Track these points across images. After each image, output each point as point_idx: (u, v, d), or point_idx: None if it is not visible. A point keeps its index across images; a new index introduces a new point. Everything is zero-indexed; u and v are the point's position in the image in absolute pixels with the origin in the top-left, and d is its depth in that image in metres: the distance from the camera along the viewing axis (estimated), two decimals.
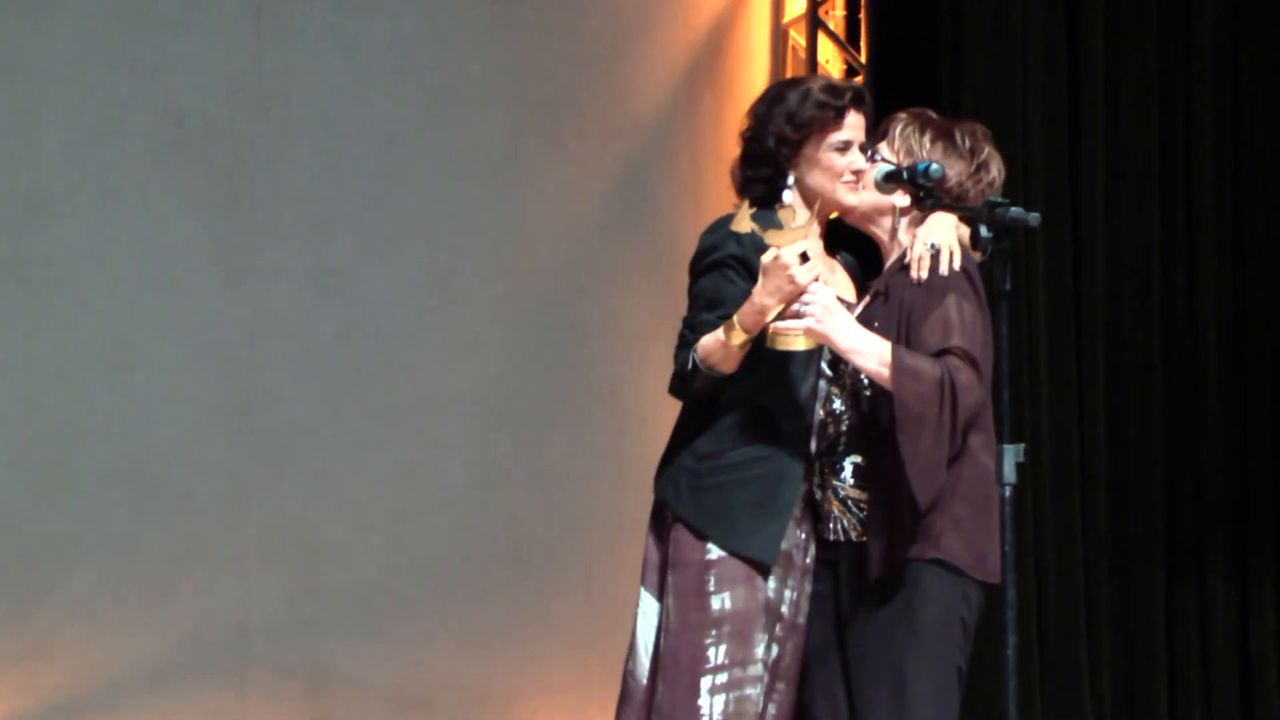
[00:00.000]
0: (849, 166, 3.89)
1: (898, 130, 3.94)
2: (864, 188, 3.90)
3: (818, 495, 3.92)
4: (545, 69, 6.44)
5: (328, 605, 6.06)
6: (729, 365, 3.78)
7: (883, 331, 3.82)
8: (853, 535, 3.84)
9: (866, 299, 3.94)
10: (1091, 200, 6.27)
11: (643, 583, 3.97)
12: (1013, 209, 3.65)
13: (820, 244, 3.98)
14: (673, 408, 6.38)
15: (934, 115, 3.98)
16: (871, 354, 3.71)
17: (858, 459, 3.87)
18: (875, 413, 3.81)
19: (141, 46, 5.93)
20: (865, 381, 3.83)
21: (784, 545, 3.84)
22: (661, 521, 3.94)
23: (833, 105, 3.89)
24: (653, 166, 6.61)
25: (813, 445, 3.90)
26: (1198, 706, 6.37)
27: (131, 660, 5.81)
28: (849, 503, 3.86)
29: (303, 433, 6.10)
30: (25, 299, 5.78)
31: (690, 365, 3.82)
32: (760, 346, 3.76)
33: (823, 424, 3.88)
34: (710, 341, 3.78)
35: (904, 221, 3.93)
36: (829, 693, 3.90)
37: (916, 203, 3.82)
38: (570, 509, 6.41)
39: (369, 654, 6.09)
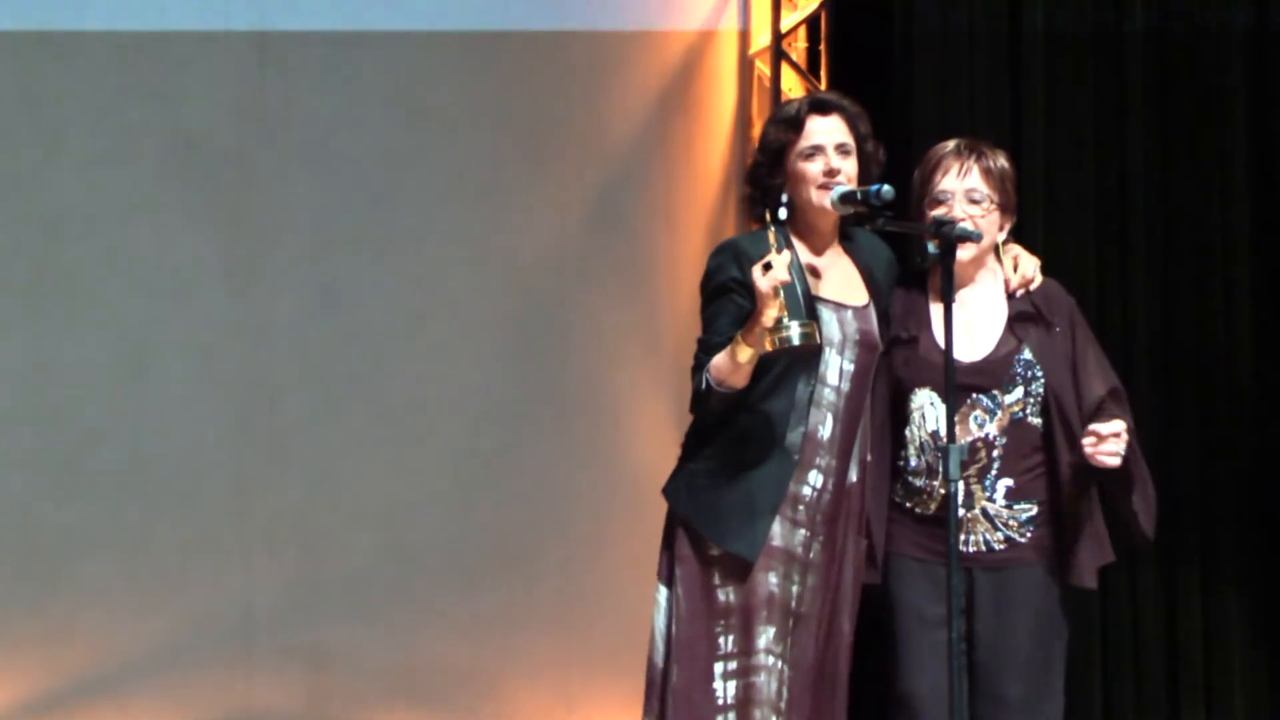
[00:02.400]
0: (822, 170, 3.92)
1: (993, 165, 4.04)
2: (846, 183, 3.92)
3: (962, 512, 3.94)
4: (528, 97, 6.46)
5: (326, 593, 6.12)
6: (739, 380, 3.81)
7: (1044, 359, 3.97)
8: (997, 547, 3.97)
9: (1006, 327, 4.02)
10: (1033, 215, 6.22)
11: (658, 576, 4.02)
12: (959, 228, 3.82)
13: (834, 245, 4.04)
14: (646, 408, 6.59)
15: (973, 142, 4.11)
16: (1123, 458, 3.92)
17: (1010, 482, 3.98)
18: (1047, 440, 3.99)
19: (154, 77, 6.01)
20: (1024, 413, 3.98)
21: (784, 544, 3.89)
22: (671, 520, 4.00)
23: (788, 119, 3.97)
24: (628, 186, 6.63)
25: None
26: (1129, 683, 6.36)
27: (145, 643, 5.90)
28: (997, 520, 3.98)
29: (303, 433, 6.14)
30: (47, 309, 5.88)
31: (705, 385, 3.85)
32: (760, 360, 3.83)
33: (973, 447, 3.95)
34: (720, 360, 3.82)
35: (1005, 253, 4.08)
36: (936, 683, 3.94)
37: (869, 221, 3.91)
38: (551, 503, 6.43)
39: (365, 638, 6.14)
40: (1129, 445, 3.94)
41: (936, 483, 3.98)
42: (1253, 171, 6.51)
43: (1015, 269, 4.10)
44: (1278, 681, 6.39)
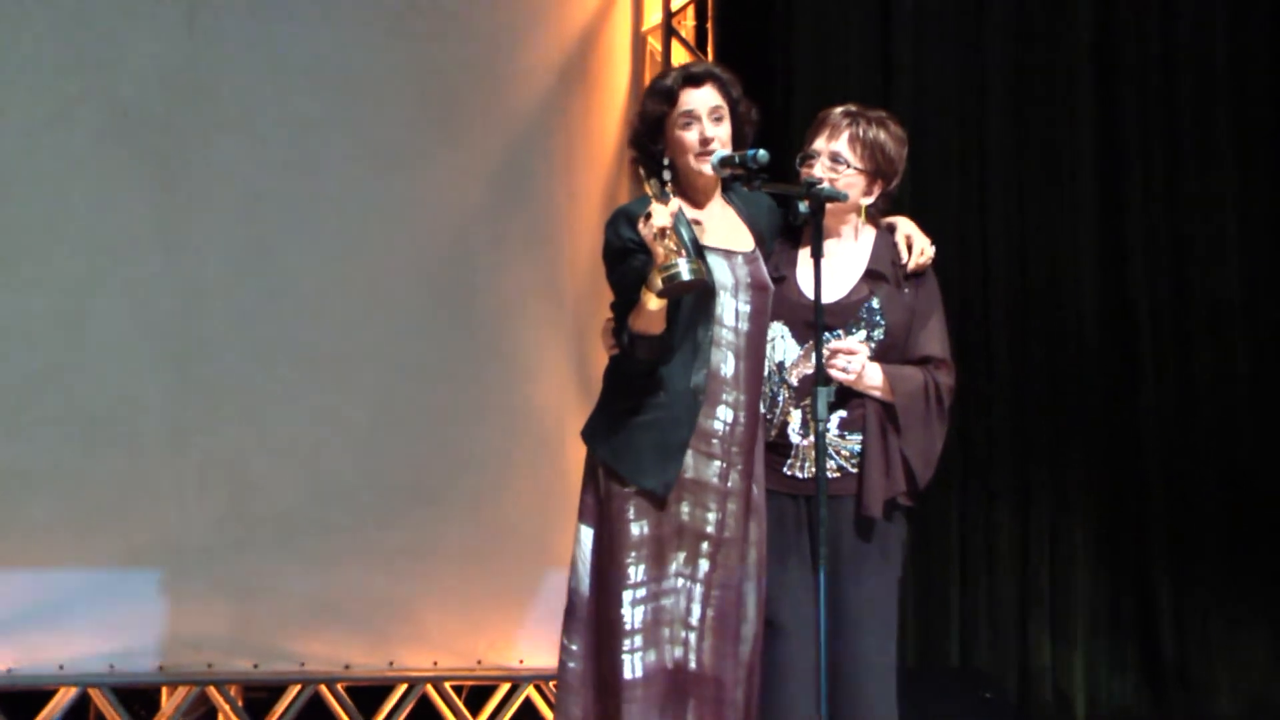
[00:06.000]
0: (698, 138, 4.06)
1: (865, 133, 4.13)
2: (720, 147, 4.01)
3: (795, 439, 4.09)
4: (439, 69, 6.61)
5: (254, 529, 6.26)
6: (656, 326, 3.94)
7: (888, 312, 4.09)
8: (830, 475, 4.03)
9: (861, 278, 4.13)
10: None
11: (579, 517, 4.11)
12: (825, 188, 4.00)
13: (716, 197, 4.16)
14: (547, 358, 6.72)
15: (859, 109, 4.20)
16: (885, 389, 4.05)
17: (843, 413, 4.08)
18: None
19: (90, 48, 6.14)
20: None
21: (695, 475, 4.01)
22: (590, 462, 4.11)
23: (663, 91, 4.11)
24: (531, 152, 6.76)
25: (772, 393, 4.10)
26: (983, 609, 6.82)
27: (85, 576, 6.03)
28: (831, 448, 4.07)
29: (233, 381, 6.27)
30: None
31: (629, 338, 3.97)
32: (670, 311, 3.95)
33: (810, 380, 4.03)
34: (635, 312, 3.95)
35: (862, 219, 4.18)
36: (793, 600, 4.08)
37: (747, 183, 4.02)
38: (461, 446, 6.57)
39: (290, 570, 6.28)
40: (909, 395, 4.08)
41: (778, 410, 4.12)
42: (1097, 142, 7.05)
43: (909, 249, 4.21)
44: (1115, 601, 6.91)
